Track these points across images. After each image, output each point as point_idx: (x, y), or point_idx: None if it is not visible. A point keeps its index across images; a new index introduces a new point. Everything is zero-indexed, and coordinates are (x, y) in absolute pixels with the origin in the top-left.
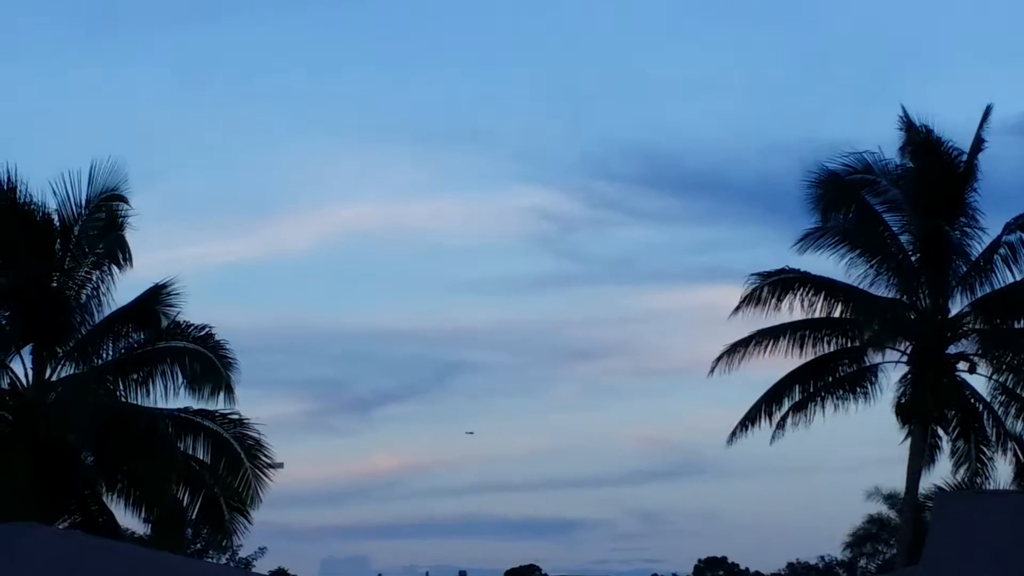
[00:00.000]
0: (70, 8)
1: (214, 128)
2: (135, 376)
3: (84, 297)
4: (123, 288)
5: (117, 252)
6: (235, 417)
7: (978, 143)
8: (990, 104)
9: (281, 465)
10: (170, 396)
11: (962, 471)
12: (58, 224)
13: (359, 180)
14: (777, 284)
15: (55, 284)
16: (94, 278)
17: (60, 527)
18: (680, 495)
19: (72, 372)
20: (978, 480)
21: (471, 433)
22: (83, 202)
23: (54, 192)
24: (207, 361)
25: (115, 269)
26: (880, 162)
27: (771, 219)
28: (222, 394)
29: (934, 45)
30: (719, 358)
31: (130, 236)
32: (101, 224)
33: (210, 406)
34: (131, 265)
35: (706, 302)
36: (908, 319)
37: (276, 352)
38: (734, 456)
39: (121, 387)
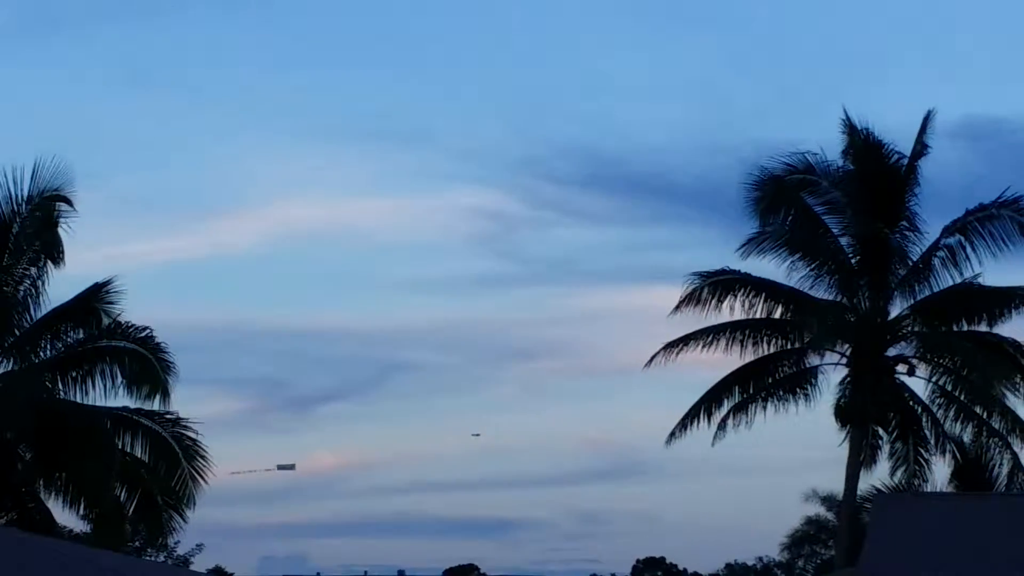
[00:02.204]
0: (10, 2)
1: (157, 126)
2: (74, 374)
3: (22, 294)
4: (64, 286)
5: (52, 250)
6: (173, 417)
7: (919, 148)
8: (931, 109)
9: (292, 467)
10: (109, 395)
11: (900, 473)
12: None
13: (301, 179)
14: (717, 285)
15: None
16: (31, 275)
17: None
18: (619, 496)
19: (10, 369)
20: (915, 482)
21: (478, 435)
22: (24, 200)
23: None
24: (146, 363)
25: (51, 267)
26: (822, 163)
27: (713, 221)
28: (158, 396)
29: (877, 49)
30: (657, 353)
31: (66, 234)
32: (39, 221)
33: (148, 406)
34: (64, 263)
35: (647, 303)
36: (848, 321)
37: (217, 350)
38: (673, 457)
39: (60, 385)
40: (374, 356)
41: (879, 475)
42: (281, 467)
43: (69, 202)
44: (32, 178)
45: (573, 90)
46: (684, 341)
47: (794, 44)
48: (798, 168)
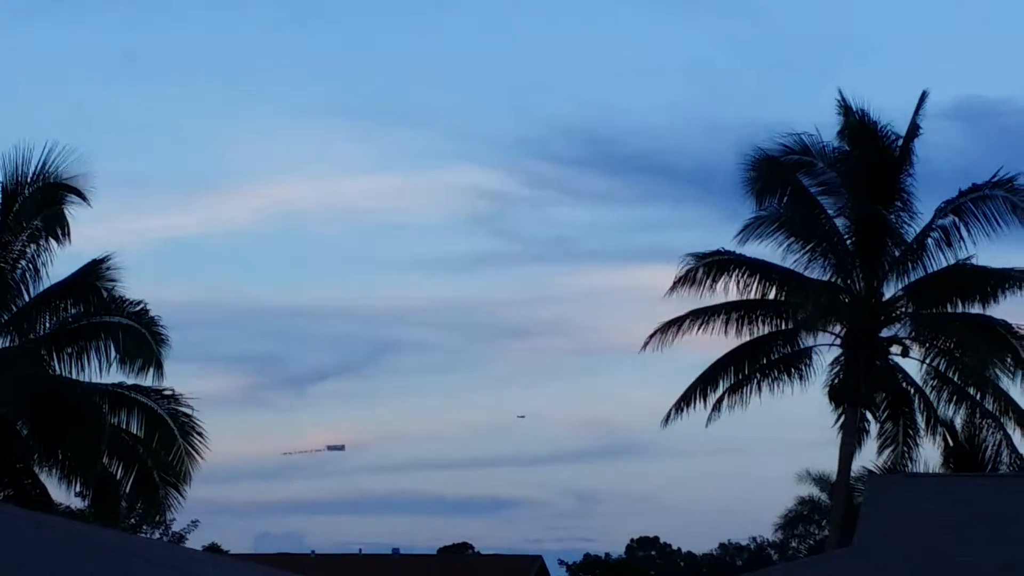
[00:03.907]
0: None
1: (153, 104)
2: (69, 350)
3: (20, 271)
4: (63, 263)
5: (55, 226)
6: (169, 393)
7: (913, 128)
8: (925, 90)
9: (342, 447)
10: (103, 371)
11: (887, 453)
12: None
13: (298, 157)
14: (712, 265)
15: None
16: (29, 252)
17: None
18: (614, 475)
19: (6, 345)
20: (903, 463)
21: (523, 417)
22: (30, 180)
23: (3, 166)
24: (140, 336)
25: (53, 244)
26: (817, 144)
27: (708, 201)
28: (152, 369)
29: (873, 30)
30: (652, 335)
31: (71, 215)
32: (41, 201)
33: (143, 381)
34: (69, 240)
35: (642, 282)
36: (842, 302)
37: (213, 327)
38: (668, 437)
39: (55, 361)
40: (370, 334)
41: (867, 456)
42: (331, 447)
43: (81, 195)
44: (41, 161)
45: (571, 70)
46: (678, 323)
47: (791, 25)
48: (794, 149)
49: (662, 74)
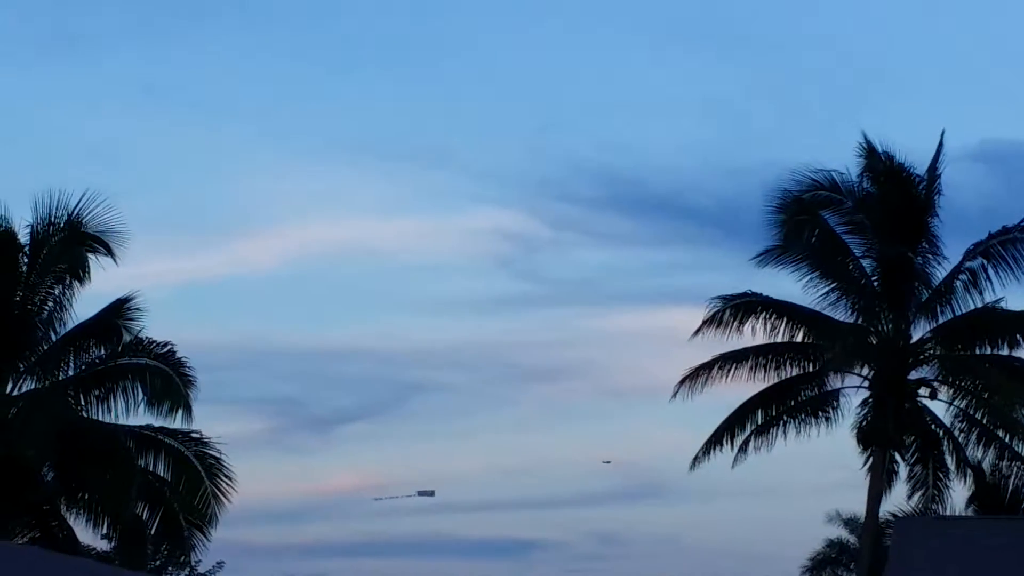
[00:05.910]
0: (28, 22)
1: (175, 145)
2: (96, 392)
3: (46, 312)
4: (86, 305)
5: (78, 268)
6: (196, 435)
7: (938, 170)
8: (944, 130)
9: (432, 493)
10: (130, 412)
11: (917, 496)
12: (28, 241)
13: (322, 198)
14: (739, 307)
15: (18, 299)
16: (56, 293)
17: (19, 542)
18: (639, 517)
19: (33, 387)
20: (934, 506)
21: (608, 462)
22: (61, 227)
23: (36, 209)
24: (167, 378)
25: (76, 285)
26: (847, 182)
27: (732, 242)
28: (180, 411)
29: (897, 70)
30: (682, 382)
31: (95, 260)
32: (67, 245)
33: (170, 423)
34: (89, 279)
35: (667, 324)
36: (869, 344)
37: (236, 370)
38: (694, 479)
39: (82, 402)
40: (394, 377)
41: (897, 498)
42: (421, 493)
43: (110, 250)
44: (77, 209)
45: (592, 110)
46: (707, 368)
47: (814, 64)
48: (823, 184)
49: (685, 112)
